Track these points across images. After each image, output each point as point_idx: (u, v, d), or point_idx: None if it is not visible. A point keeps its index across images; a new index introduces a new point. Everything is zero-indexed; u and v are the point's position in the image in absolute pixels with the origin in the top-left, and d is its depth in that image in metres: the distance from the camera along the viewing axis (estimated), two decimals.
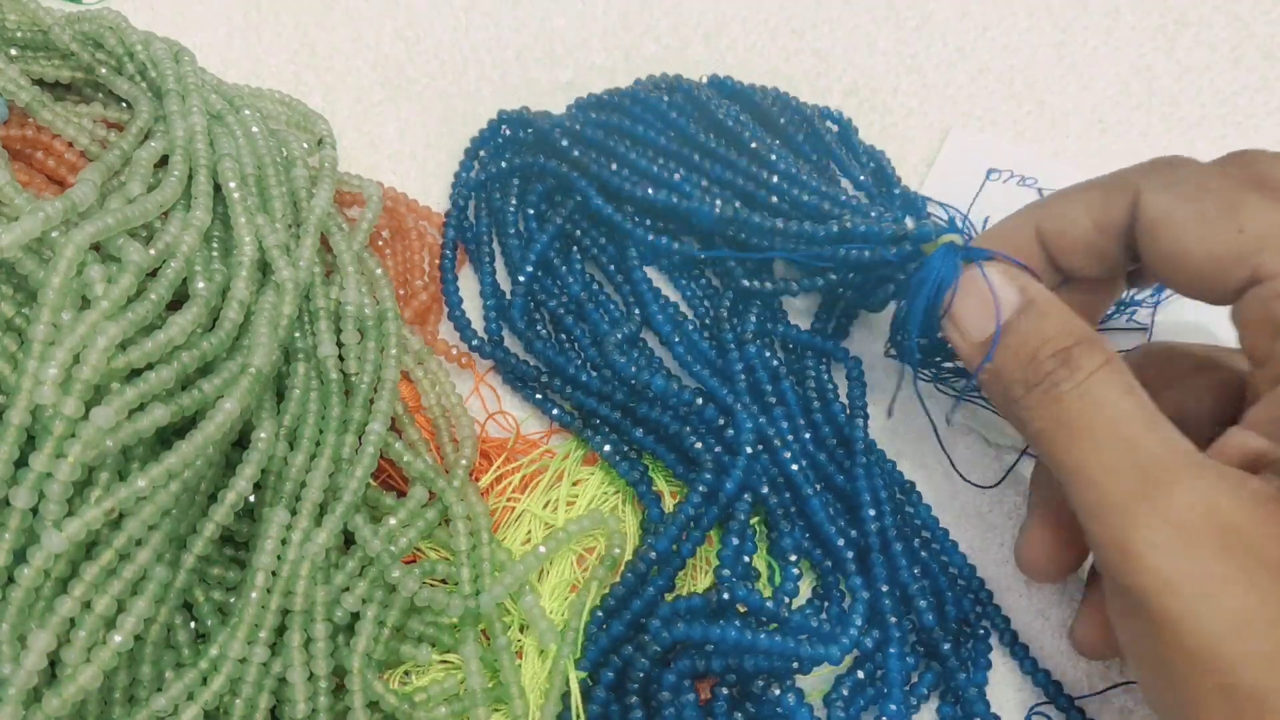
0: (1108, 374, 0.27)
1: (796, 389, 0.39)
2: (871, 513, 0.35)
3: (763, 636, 0.31)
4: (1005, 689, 0.36)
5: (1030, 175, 0.44)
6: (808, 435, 0.38)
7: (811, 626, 0.32)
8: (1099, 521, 0.26)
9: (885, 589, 0.34)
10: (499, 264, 0.43)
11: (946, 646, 0.34)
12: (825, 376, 0.39)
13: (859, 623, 0.32)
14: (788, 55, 0.48)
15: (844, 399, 0.39)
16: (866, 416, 0.38)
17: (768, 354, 0.39)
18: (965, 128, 0.46)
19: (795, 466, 0.36)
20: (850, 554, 0.35)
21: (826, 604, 0.35)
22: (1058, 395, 0.27)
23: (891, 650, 0.33)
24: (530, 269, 0.41)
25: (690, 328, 0.40)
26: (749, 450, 0.35)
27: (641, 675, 0.33)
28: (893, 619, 0.34)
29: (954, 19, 0.48)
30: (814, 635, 0.32)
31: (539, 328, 0.41)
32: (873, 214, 0.37)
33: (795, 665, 0.32)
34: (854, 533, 0.36)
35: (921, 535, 0.37)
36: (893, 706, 0.32)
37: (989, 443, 0.40)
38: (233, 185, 0.35)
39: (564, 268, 0.42)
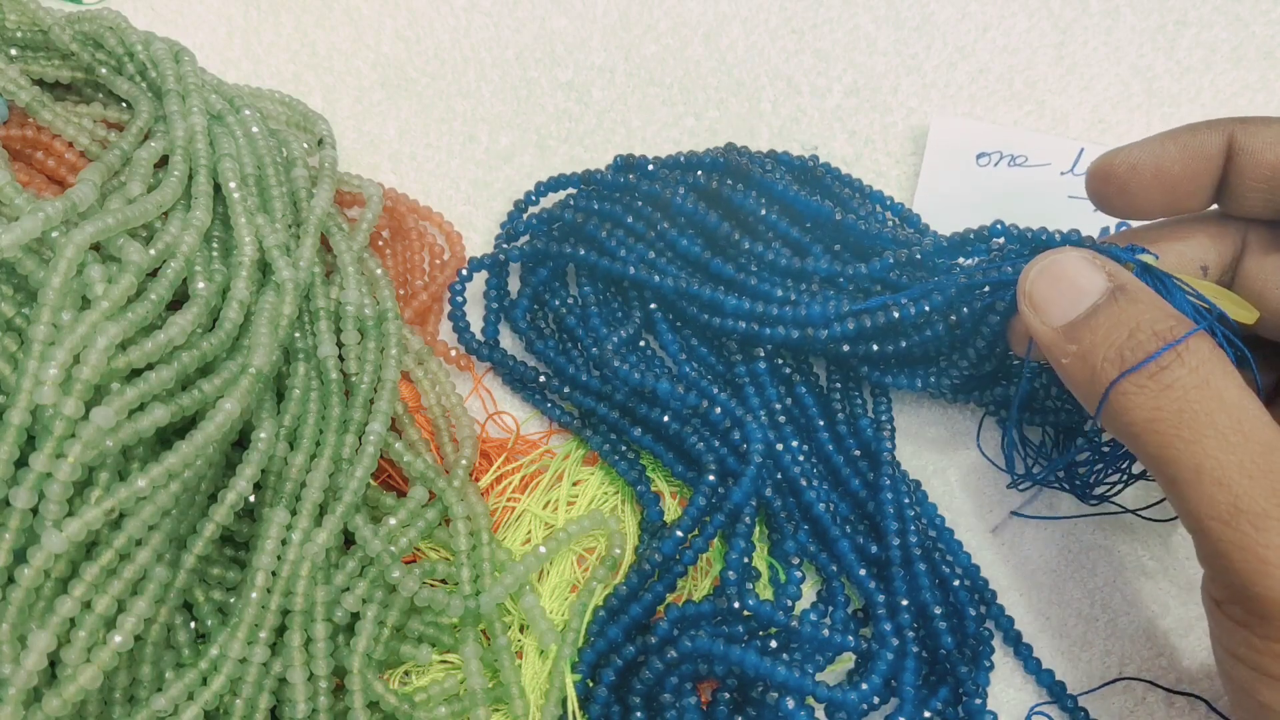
0: (1223, 363, 0.25)
1: (817, 389, 0.39)
2: (895, 525, 0.35)
3: (780, 669, 0.31)
4: (1007, 689, 0.36)
5: (1019, 154, 0.44)
6: (825, 435, 0.38)
7: (822, 638, 0.32)
8: (1227, 525, 0.24)
9: (905, 604, 0.34)
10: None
11: (964, 670, 0.34)
12: (851, 387, 0.39)
13: (883, 669, 0.32)
14: (788, 55, 0.48)
15: (870, 413, 0.39)
16: (893, 430, 0.38)
17: (785, 368, 0.39)
18: (945, 116, 0.46)
19: (822, 506, 0.36)
20: (882, 599, 0.34)
21: (831, 609, 0.35)
22: (1169, 382, 0.25)
23: (909, 664, 0.33)
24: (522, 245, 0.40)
25: (695, 341, 0.40)
26: (758, 460, 0.35)
27: (649, 677, 0.33)
28: (910, 634, 0.34)
29: (954, 19, 0.48)
30: (826, 646, 0.32)
31: (540, 325, 0.41)
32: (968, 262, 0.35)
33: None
34: (874, 548, 0.36)
35: (929, 534, 0.37)
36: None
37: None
38: (233, 185, 0.35)
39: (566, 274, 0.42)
